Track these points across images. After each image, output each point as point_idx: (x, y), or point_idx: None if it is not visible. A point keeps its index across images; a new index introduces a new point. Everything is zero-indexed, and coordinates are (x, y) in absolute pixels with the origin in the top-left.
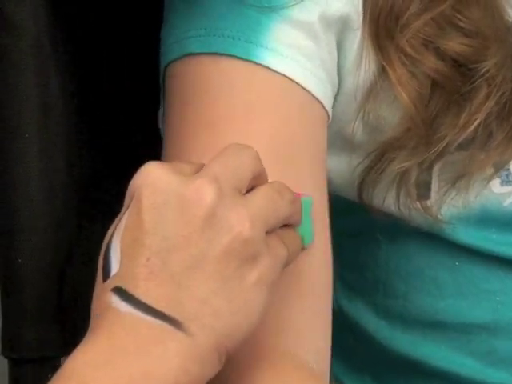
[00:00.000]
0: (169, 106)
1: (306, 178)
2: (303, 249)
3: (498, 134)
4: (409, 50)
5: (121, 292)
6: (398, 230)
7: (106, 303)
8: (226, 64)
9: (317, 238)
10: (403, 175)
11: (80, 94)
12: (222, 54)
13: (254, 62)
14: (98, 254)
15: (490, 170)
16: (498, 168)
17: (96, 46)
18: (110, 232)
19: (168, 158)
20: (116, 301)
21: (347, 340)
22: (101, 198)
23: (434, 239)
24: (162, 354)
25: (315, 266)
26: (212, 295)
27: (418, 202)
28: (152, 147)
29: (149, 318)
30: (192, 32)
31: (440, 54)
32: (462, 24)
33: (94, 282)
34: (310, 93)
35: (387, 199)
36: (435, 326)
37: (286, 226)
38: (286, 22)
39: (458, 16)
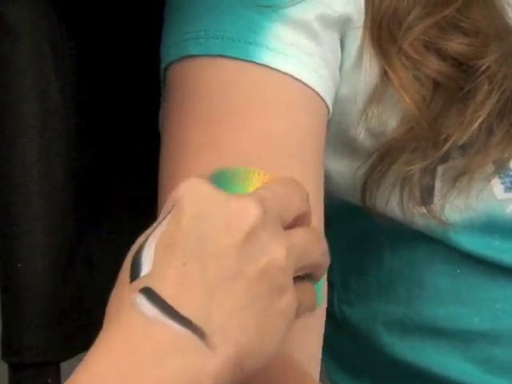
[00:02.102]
0: (169, 106)
1: (308, 173)
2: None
3: (498, 131)
4: (411, 52)
5: (149, 293)
6: (401, 235)
7: (131, 304)
8: (226, 65)
9: None
10: (406, 177)
11: (80, 98)
12: (222, 56)
13: (255, 62)
14: (99, 258)
15: (490, 169)
16: (499, 166)
17: (96, 48)
18: (145, 234)
19: (167, 159)
20: (142, 302)
21: (347, 345)
22: (101, 201)
23: (437, 245)
24: (178, 369)
25: None
26: (241, 309)
27: (421, 206)
28: (153, 150)
29: (173, 325)
30: (191, 34)
31: (441, 54)
32: (462, 24)
33: (95, 285)
34: (312, 89)
35: (390, 202)
36: (435, 333)
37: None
38: (285, 21)
39: (459, 17)
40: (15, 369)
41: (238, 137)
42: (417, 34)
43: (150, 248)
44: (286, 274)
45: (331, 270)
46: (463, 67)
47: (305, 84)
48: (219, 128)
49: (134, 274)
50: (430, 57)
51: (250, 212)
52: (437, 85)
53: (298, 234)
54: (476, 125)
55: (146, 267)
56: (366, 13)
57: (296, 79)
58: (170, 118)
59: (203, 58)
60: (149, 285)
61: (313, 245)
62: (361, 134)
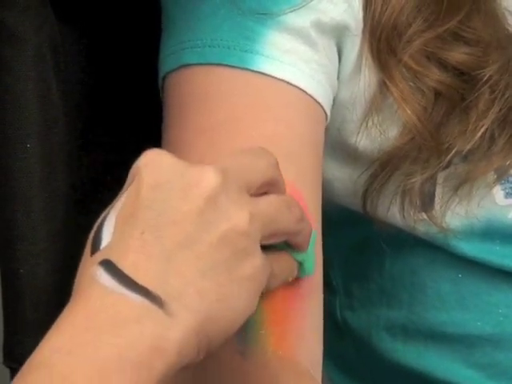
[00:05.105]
0: (167, 115)
1: (307, 180)
2: (298, 277)
3: (499, 139)
4: (412, 64)
5: (108, 265)
6: (402, 241)
7: (90, 277)
8: (223, 74)
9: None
10: (407, 185)
11: (81, 104)
12: (218, 64)
13: (251, 70)
14: None
15: (492, 176)
16: (500, 174)
17: (97, 55)
18: (108, 207)
19: None
20: (101, 274)
21: (349, 351)
22: (102, 207)
23: (438, 251)
24: (137, 335)
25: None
26: (200, 276)
27: (422, 212)
28: None
29: (131, 295)
30: (188, 43)
31: (443, 64)
32: (464, 34)
33: None
34: (309, 95)
35: (391, 209)
36: (438, 338)
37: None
38: (282, 28)
39: (461, 27)
40: (16, 373)
41: (236, 144)
42: (418, 47)
43: (111, 220)
44: (249, 239)
45: (333, 276)
46: (465, 77)
47: (302, 90)
48: (218, 135)
49: (95, 246)
50: (431, 68)
51: (208, 179)
52: (438, 95)
53: (266, 200)
54: (479, 134)
55: (105, 239)
56: (365, 24)
57: (293, 85)
58: (169, 127)
59: (200, 67)
60: (108, 256)
61: (283, 211)
62: (361, 142)
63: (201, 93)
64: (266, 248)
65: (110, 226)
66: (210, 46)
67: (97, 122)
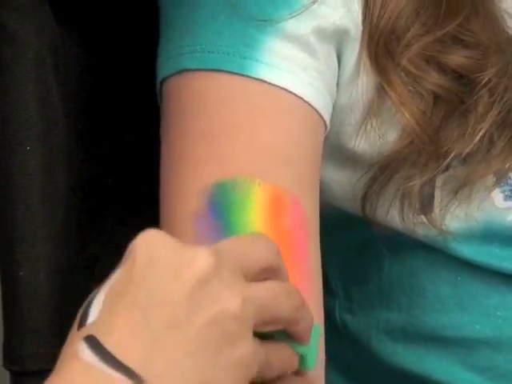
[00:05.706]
0: (166, 119)
1: (304, 187)
2: (301, 371)
3: (499, 142)
4: (410, 68)
5: (92, 341)
6: (401, 244)
7: (73, 351)
8: (221, 79)
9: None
10: (406, 188)
11: (81, 107)
12: (217, 70)
13: (250, 77)
14: (101, 265)
15: (491, 179)
16: (500, 177)
17: (97, 57)
18: (98, 287)
19: (167, 172)
20: (84, 349)
21: (348, 353)
22: (102, 209)
23: (437, 254)
24: None
25: (314, 274)
26: (185, 357)
27: (422, 215)
28: (155, 156)
29: (111, 371)
30: (187, 48)
31: (442, 68)
32: (463, 37)
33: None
34: (307, 103)
35: (391, 212)
36: (437, 341)
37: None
38: (281, 35)
39: (460, 30)
40: (17, 376)
41: (236, 149)
42: (416, 50)
43: (101, 296)
44: (239, 324)
45: (332, 279)
46: (464, 80)
47: (300, 98)
48: (217, 140)
49: (82, 321)
50: (430, 71)
51: (201, 260)
52: (437, 98)
53: (261, 286)
54: (478, 137)
55: (92, 315)
56: (364, 28)
57: (291, 93)
58: (168, 132)
59: (199, 72)
60: (93, 332)
61: (280, 298)
62: (360, 146)
63: (200, 98)
64: (265, 337)
65: (99, 301)
66: (209, 52)
67: (96, 124)
